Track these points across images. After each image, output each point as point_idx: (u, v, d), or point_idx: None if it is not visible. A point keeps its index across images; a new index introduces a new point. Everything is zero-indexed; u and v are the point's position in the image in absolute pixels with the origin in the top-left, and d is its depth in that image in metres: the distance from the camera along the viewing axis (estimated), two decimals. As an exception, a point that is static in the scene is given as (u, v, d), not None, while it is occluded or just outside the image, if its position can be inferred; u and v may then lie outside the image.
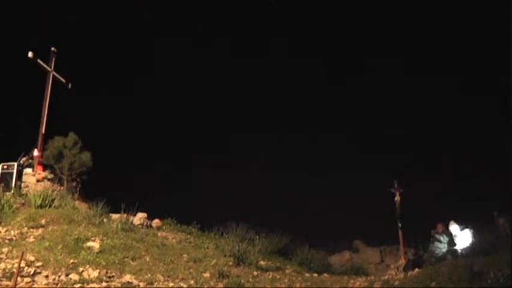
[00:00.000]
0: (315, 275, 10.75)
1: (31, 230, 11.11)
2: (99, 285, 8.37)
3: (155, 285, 8.64)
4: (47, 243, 10.06)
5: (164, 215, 14.93)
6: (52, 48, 17.67)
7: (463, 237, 11.49)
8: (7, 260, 9.11)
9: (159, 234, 12.91)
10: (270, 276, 9.76)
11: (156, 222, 14.33)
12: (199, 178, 30.78)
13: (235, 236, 12.74)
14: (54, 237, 10.47)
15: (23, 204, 13.21)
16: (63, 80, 18.03)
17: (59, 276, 8.62)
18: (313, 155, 34.77)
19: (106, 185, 16.70)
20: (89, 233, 10.86)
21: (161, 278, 8.96)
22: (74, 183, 16.07)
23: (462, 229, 11.68)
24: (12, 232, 10.88)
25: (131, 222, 12.86)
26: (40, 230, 11.10)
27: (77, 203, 14.27)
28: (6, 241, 10.26)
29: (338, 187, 27.23)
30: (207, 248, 12.13)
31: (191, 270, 9.69)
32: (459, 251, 11.00)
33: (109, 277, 8.78)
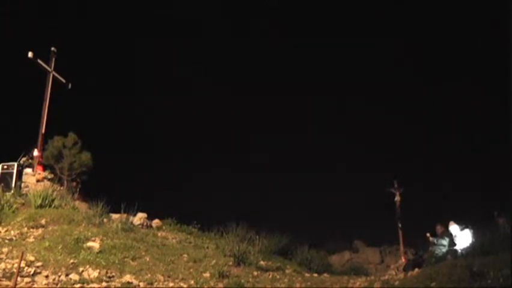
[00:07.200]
0: (315, 275, 10.72)
1: (31, 230, 11.11)
2: (99, 285, 8.36)
3: (155, 285, 8.63)
4: (47, 243, 10.06)
5: (164, 215, 14.94)
6: (52, 48, 17.68)
7: (463, 237, 11.47)
8: (7, 260, 9.11)
9: (159, 234, 12.89)
10: (270, 276, 9.74)
11: (156, 222, 14.32)
12: (199, 178, 30.84)
13: (235, 236, 12.70)
14: (55, 237, 10.47)
15: (23, 204, 13.21)
16: (63, 80, 18.04)
17: (59, 276, 8.61)
18: (313, 155, 34.80)
19: (106, 185, 16.70)
20: (89, 233, 10.86)
21: (161, 278, 8.95)
22: (74, 183, 16.06)
23: (462, 229, 11.66)
24: (12, 232, 10.88)
25: (131, 222, 12.85)
26: (40, 230, 11.11)
27: (77, 203, 14.26)
28: (6, 241, 10.26)
29: (338, 187, 27.27)
30: (207, 248, 12.12)
31: (191, 270, 9.68)
32: (459, 251, 10.97)
33: (109, 277, 8.77)
